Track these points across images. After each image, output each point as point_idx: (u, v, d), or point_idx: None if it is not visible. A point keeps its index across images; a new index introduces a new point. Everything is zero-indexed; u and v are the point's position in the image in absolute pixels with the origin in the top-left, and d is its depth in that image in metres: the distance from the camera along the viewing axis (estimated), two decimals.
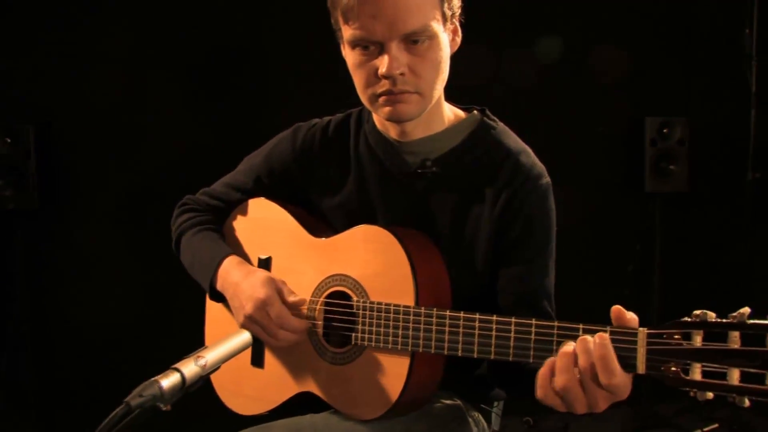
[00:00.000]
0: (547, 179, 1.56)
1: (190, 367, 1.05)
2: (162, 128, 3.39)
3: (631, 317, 1.16)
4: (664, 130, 3.43)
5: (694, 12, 3.46)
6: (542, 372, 1.21)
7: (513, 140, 1.59)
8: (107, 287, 3.40)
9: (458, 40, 1.53)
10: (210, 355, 1.10)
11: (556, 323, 1.20)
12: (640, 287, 3.57)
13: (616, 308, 1.16)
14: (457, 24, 1.51)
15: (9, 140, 3.26)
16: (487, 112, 1.62)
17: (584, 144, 3.53)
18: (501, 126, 1.61)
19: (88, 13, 3.33)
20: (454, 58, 1.51)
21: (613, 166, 3.58)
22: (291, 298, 1.52)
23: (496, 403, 1.70)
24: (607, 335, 1.13)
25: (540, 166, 1.56)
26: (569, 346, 1.17)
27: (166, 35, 3.38)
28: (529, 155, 1.57)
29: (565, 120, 3.48)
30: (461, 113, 1.62)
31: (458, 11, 1.50)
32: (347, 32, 1.45)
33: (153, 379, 1.00)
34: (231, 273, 1.59)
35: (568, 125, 3.49)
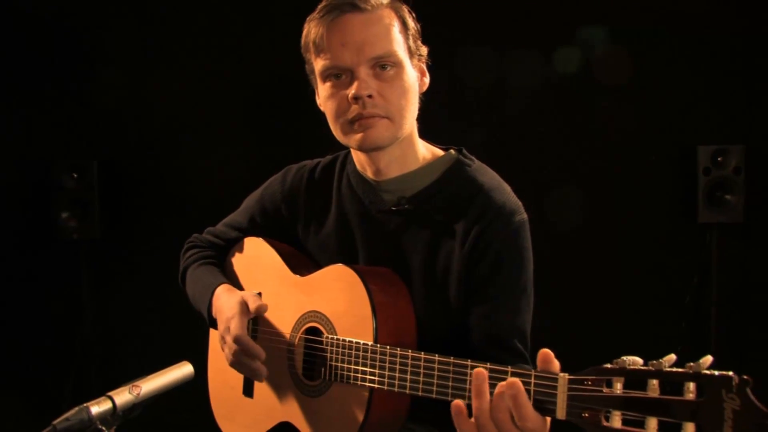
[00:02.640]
0: (521, 216, 1.55)
1: (123, 395, 1.14)
2: (219, 160, 3.56)
3: (558, 364, 1.16)
4: (719, 159, 3.32)
5: (748, 36, 3.34)
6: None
7: (488, 177, 1.61)
8: (166, 310, 3.58)
9: (426, 81, 1.60)
10: (146, 385, 1.18)
11: (487, 365, 1.22)
12: (696, 320, 3.44)
13: (544, 351, 1.17)
14: (424, 66, 1.59)
15: (75, 175, 3.55)
16: (464, 151, 1.65)
17: (635, 173, 3.45)
18: (477, 164, 1.64)
19: (148, 56, 3.58)
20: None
21: (665, 196, 3.48)
22: (254, 305, 1.59)
23: None
24: (517, 380, 1.14)
25: (514, 203, 1.57)
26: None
27: (226, 74, 3.57)
28: (504, 192, 1.58)
29: (615, 148, 3.41)
30: (438, 152, 1.65)
31: (425, 54, 1.59)
32: (319, 64, 1.54)
33: (83, 405, 1.09)
34: (220, 297, 1.71)
35: (618, 154, 3.42)
